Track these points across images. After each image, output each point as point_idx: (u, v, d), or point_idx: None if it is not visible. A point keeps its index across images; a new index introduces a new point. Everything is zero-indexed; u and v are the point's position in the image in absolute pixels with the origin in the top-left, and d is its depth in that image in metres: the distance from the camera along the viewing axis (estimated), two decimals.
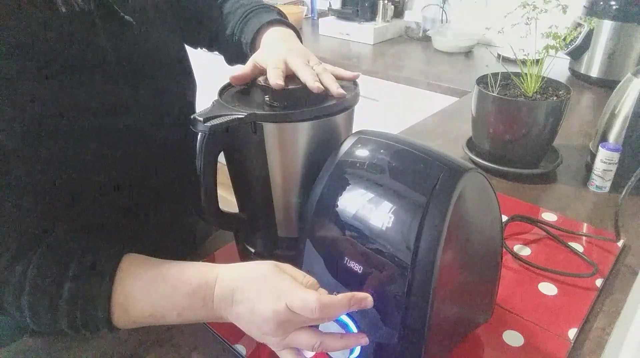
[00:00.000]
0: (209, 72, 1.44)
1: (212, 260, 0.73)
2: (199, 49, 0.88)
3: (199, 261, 0.72)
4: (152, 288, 0.49)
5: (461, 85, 1.58)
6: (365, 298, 0.46)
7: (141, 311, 0.49)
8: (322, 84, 0.57)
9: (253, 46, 0.73)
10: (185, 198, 0.84)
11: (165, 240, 0.79)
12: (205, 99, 0.64)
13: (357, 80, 0.62)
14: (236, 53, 0.79)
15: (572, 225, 0.81)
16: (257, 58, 0.62)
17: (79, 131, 0.55)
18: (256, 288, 0.47)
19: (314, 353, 0.57)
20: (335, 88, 0.57)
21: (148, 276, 0.50)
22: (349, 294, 0.46)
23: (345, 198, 0.49)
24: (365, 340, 0.48)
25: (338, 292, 0.45)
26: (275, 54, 0.60)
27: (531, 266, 0.70)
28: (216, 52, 0.86)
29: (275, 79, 0.55)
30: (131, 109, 0.60)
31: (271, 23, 0.73)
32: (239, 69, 0.62)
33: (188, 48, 0.82)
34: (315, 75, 0.58)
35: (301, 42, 0.70)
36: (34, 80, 0.51)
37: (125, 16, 0.59)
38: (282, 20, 0.75)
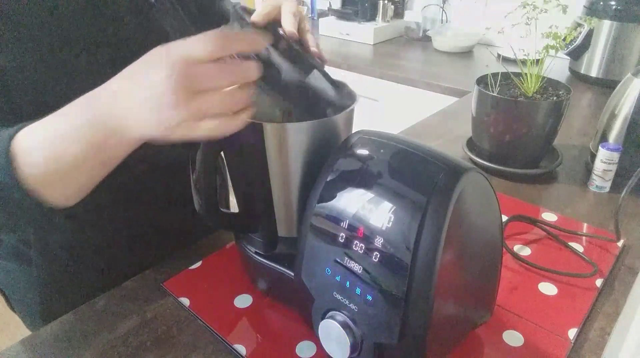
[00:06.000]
0: None
1: (212, 260, 0.73)
2: None
3: (199, 261, 0.73)
4: (44, 125, 0.47)
5: (461, 85, 1.58)
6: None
7: (40, 150, 0.47)
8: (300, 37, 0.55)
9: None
10: (184, 198, 0.84)
11: (164, 240, 0.79)
12: None
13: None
14: None
15: (572, 224, 0.81)
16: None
17: None
18: (143, 60, 0.43)
19: (313, 353, 0.57)
20: (312, 43, 0.56)
21: (36, 124, 0.48)
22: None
23: (345, 198, 0.49)
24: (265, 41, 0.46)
25: (338, 292, 0.45)
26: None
27: (531, 266, 0.70)
28: None
29: (289, 26, 0.54)
30: None
31: None
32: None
33: None
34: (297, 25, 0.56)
35: None
36: (53, 55, 0.50)
37: None
38: None
